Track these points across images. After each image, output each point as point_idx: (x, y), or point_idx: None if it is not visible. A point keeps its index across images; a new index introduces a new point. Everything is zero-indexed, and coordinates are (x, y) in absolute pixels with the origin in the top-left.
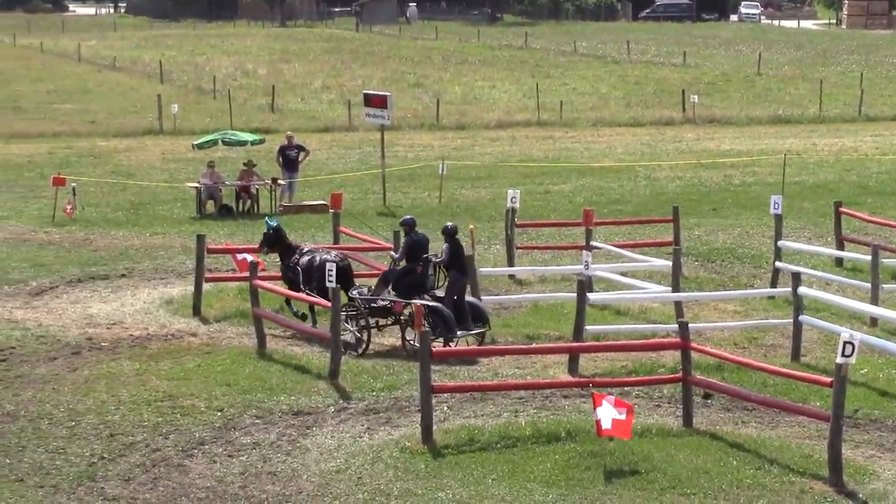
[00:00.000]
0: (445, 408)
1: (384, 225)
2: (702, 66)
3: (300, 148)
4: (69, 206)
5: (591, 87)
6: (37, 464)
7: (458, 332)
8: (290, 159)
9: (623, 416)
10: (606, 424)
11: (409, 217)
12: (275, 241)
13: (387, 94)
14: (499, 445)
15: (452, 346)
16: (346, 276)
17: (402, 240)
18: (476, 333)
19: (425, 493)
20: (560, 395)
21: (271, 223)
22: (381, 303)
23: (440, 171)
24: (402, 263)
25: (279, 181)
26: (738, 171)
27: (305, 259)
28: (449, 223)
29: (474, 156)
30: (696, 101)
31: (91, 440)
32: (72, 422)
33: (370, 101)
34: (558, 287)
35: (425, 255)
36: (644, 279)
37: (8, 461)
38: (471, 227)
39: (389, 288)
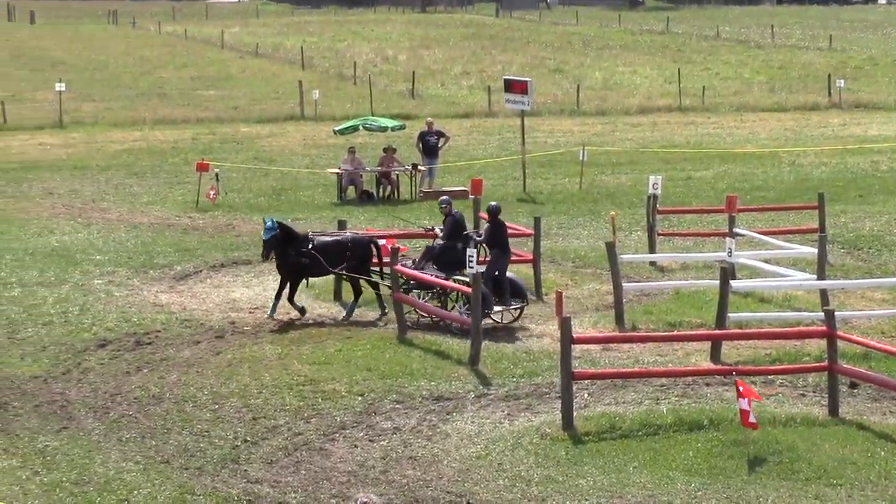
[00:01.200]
0: (586, 395)
1: (523, 211)
2: (848, 50)
3: (440, 134)
4: (212, 192)
5: (733, 73)
6: (182, 446)
7: (497, 308)
8: (429, 145)
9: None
10: (752, 415)
11: (447, 198)
12: (284, 239)
13: (527, 79)
14: (640, 433)
15: (491, 320)
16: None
17: (446, 221)
18: (514, 308)
19: (566, 480)
20: (702, 382)
21: (269, 223)
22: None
23: (580, 158)
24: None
25: (419, 167)
26: (885, 157)
27: (326, 240)
28: (493, 203)
29: (615, 142)
30: (843, 85)
31: (234, 423)
32: (215, 405)
33: (511, 86)
34: (700, 274)
35: (466, 233)
36: (788, 266)
37: (154, 443)
38: (611, 213)
39: (432, 263)
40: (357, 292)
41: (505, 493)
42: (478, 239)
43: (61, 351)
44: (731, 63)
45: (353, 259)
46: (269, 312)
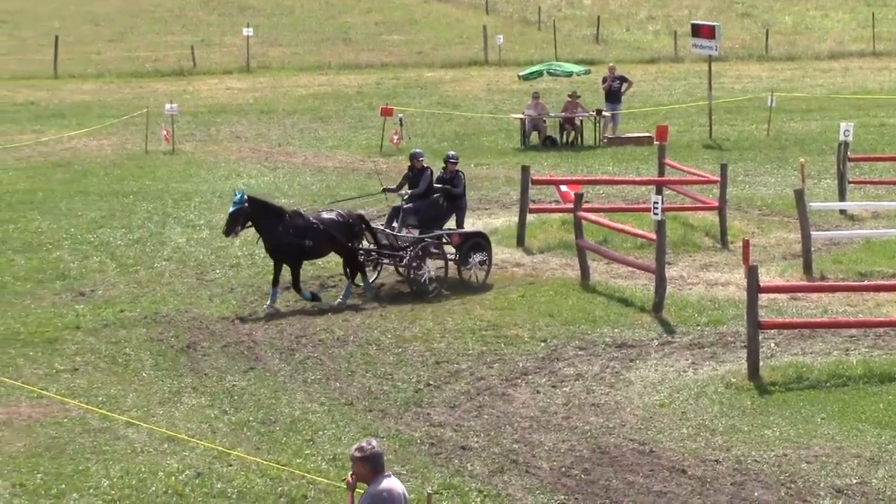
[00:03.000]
0: (772, 344)
1: (709, 158)
2: None
3: (622, 79)
4: (396, 137)
5: None
6: (365, 388)
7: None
8: (612, 90)
9: None
10: None
11: (421, 151)
12: (263, 215)
13: (715, 24)
14: (828, 384)
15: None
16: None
17: (411, 173)
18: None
19: (751, 430)
20: (894, 334)
21: (238, 196)
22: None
23: (768, 104)
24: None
25: (603, 112)
26: None
27: (334, 217)
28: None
29: (805, 87)
30: None
31: (417, 367)
32: (399, 348)
33: (698, 31)
34: (893, 223)
35: (440, 186)
36: None
37: (338, 385)
38: (800, 160)
39: (409, 221)
40: (362, 270)
41: (689, 442)
42: (455, 190)
43: (248, 292)
44: None
45: (357, 237)
46: (269, 301)
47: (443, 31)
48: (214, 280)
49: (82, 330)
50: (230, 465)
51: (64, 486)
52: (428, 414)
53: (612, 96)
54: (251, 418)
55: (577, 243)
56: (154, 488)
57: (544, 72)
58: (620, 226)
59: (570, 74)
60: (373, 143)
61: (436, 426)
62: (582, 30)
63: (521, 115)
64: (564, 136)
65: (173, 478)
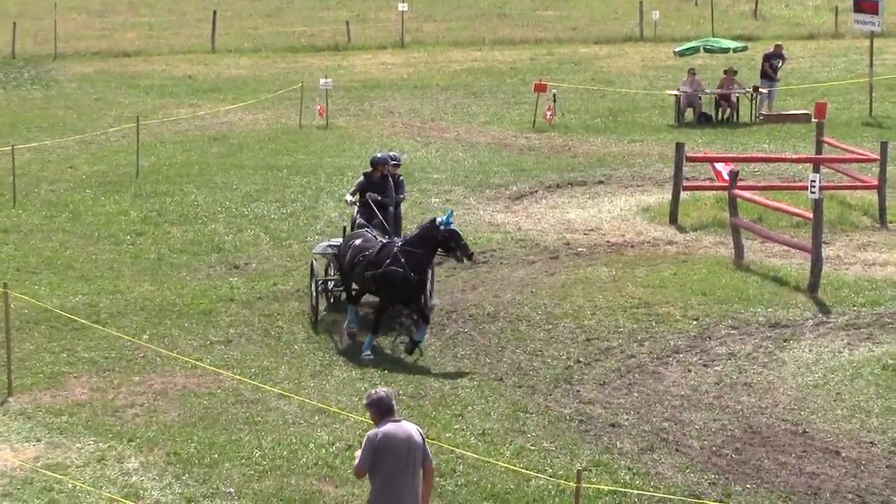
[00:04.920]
0: None
1: (869, 136)
2: None
3: (782, 57)
4: (549, 113)
5: None
6: (515, 364)
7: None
8: (774, 67)
9: None
10: None
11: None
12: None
13: None
14: None
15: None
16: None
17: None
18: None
19: None
20: None
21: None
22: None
23: None
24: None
25: (761, 89)
26: None
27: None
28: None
29: None
30: None
31: (567, 343)
32: (549, 325)
33: (860, 6)
34: None
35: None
36: None
37: (488, 360)
38: None
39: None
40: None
41: (843, 424)
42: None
43: None
44: None
45: None
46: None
47: (598, 6)
48: None
49: (236, 302)
50: None
51: (217, 455)
52: (578, 391)
53: (770, 74)
54: (401, 392)
55: (732, 221)
56: (304, 459)
57: (700, 48)
58: (776, 204)
59: (726, 51)
60: (525, 119)
61: (585, 403)
62: (740, 5)
63: (677, 92)
64: (720, 113)
65: (324, 450)
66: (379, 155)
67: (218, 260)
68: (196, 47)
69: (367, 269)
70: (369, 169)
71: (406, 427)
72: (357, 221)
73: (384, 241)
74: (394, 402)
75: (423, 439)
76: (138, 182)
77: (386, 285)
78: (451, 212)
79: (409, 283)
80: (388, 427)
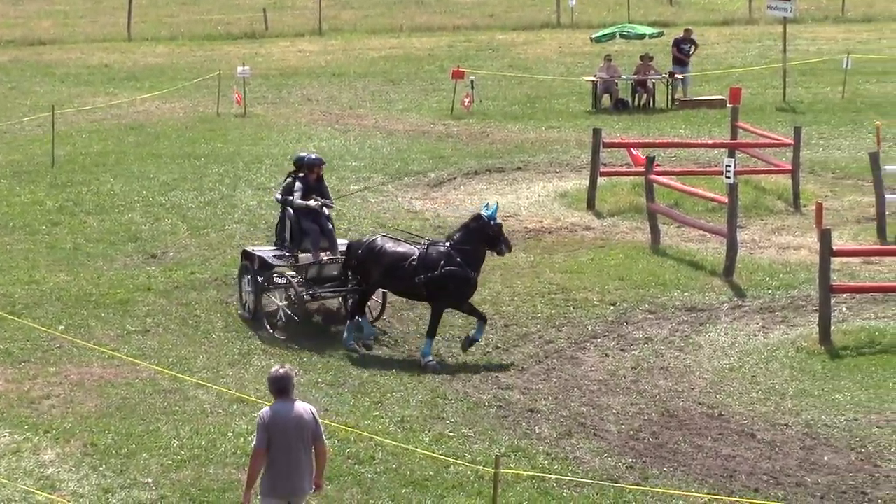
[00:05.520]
0: (844, 308)
1: (783, 121)
2: None
3: (693, 42)
4: (467, 100)
5: None
6: (434, 350)
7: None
8: (683, 52)
9: None
10: None
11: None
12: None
13: None
14: None
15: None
16: None
17: (289, 180)
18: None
19: (822, 395)
20: None
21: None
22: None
23: (844, 66)
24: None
25: (676, 75)
26: None
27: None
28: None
29: (882, 49)
30: None
31: (486, 330)
32: None
33: None
34: None
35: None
36: None
37: (408, 347)
38: (877, 123)
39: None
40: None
41: (758, 406)
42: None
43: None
44: None
45: None
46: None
47: None
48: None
49: (154, 292)
50: None
51: (134, 445)
52: (496, 377)
53: (681, 59)
54: (320, 380)
55: (648, 206)
56: (223, 449)
57: (617, 34)
58: (692, 189)
59: (642, 37)
60: (444, 107)
61: (504, 389)
62: None
63: (594, 78)
64: (636, 99)
65: (242, 439)
66: (313, 156)
67: (135, 249)
68: (112, 35)
69: (416, 273)
70: (295, 169)
71: (298, 407)
72: (303, 226)
73: (423, 243)
74: (292, 384)
75: (317, 420)
76: (54, 172)
77: (448, 287)
78: (497, 206)
79: (470, 281)
80: (277, 406)
